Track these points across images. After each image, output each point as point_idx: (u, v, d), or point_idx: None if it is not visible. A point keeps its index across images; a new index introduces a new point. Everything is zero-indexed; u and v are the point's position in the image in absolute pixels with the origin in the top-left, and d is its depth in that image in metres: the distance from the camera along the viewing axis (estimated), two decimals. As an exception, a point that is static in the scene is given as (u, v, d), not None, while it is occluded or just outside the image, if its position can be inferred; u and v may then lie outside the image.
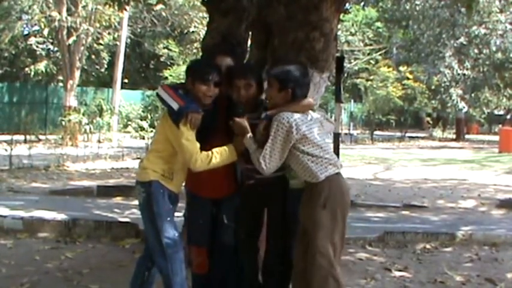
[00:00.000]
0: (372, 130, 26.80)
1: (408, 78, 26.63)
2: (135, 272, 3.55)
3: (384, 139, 26.43)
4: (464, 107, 25.94)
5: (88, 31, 19.38)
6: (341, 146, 6.37)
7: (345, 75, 26.49)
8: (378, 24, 30.13)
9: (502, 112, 38.39)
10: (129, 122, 22.63)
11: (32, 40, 23.37)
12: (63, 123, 18.17)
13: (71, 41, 19.10)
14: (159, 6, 21.96)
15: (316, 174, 3.21)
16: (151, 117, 18.98)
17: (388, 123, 28.55)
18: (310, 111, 3.36)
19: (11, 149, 11.75)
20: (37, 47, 23.87)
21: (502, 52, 24.22)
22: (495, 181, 11.60)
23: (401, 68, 27.28)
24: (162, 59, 26.70)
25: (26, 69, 23.95)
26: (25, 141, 16.34)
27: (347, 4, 17.83)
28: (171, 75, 23.41)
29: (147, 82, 29.43)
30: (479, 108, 33.49)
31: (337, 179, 3.28)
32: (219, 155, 3.30)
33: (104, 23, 20.28)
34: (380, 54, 29.80)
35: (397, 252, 5.60)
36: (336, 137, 5.77)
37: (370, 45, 29.79)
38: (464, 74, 24.71)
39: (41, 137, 19.18)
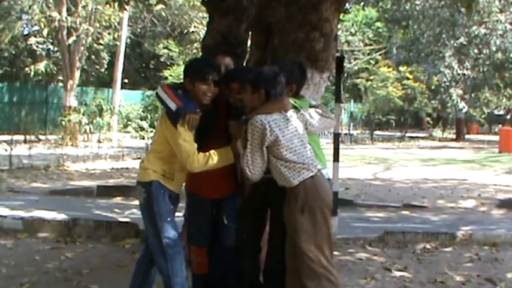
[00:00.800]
0: (371, 130, 26.80)
1: (408, 78, 26.62)
2: (135, 272, 3.55)
3: (383, 139, 26.42)
4: (464, 107, 25.95)
5: (88, 31, 19.37)
6: (341, 146, 6.36)
7: (345, 75, 26.49)
8: (378, 24, 30.13)
9: (502, 112, 38.39)
10: (129, 122, 22.66)
11: (32, 40, 23.37)
12: (63, 123, 18.16)
13: (71, 41, 19.10)
14: (159, 6, 21.92)
15: (289, 180, 3.19)
16: (151, 117, 19.03)
17: (388, 123, 28.55)
18: (290, 111, 3.30)
19: (11, 149, 11.73)
20: (37, 47, 23.88)
21: (502, 52, 24.24)
22: (495, 181, 11.59)
23: (401, 68, 27.27)
24: (162, 59, 26.70)
25: (26, 69, 23.93)
26: (25, 141, 16.33)
27: (347, 4, 17.81)
28: (171, 75, 23.41)
29: (147, 82, 29.45)
30: (479, 108, 33.52)
31: (313, 183, 3.22)
32: (216, 157, 3.29)
33: (104, 23, 20.28)
34: (380, 54, 29.79)
35: (397, 252, 5.59)
36: (336, 137, 5.76)
37: (370, 45, 29.79)
38: (464, 74, 24.72)
39: (41, 137, 19.20)
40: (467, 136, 31.27)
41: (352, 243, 5.84)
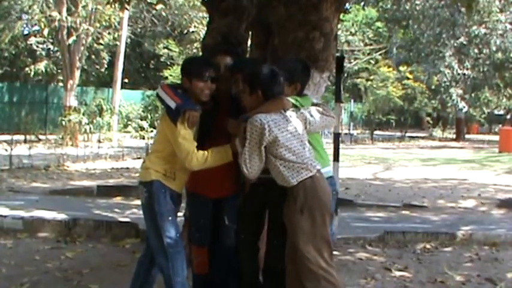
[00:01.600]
0: (372, 130, 26.80)
1: (408, 78, 26.63)
2: (136, 272, 3.55)
3: (384, 139, 26.42)
4: (464, 107, 25.93)
5: (88, 31, 19.37)
6: (341, 146, 6.35)
7: (345, 75, 26.51)
8: (378, 24, 30.14)
9: (502, 112, 38.41)
10: (129, 122, 22.67)
11: (32, 40, 23.38)
12: (63, 123, 18.15)
13: (71, 41, 19.09)
14: (159, 6, 21.98)
15: (287, 179, 3.18)
16: (151, 117, 19.03)
17: (388, 123, 28.54)
18: (289, 110, 3.29)
19: (11, 149, 11.74)
20: (37, 47, 23.89)
21: (502, 52, 24.24)
22: (495, 181, 11.59)
23: (401, 68, 27.28)
24: (162, 59, 26.72)
25: (26, 69, 23.95)
26: (25, 141, 16.34)
27: (347, 4, 17.84)
28: (171, 75, 23.44)
29: (147, 82, 29.47)
30: (479, 108, 33.49)
31: (312, 183, 3.21)
32: (214, 155, 3.29)
33: (104, 23, 20.30)
34: (380, 54, 29.81)
35: (397, 252, 5.59)
36: (336, 137, 5.76)
37: (370, 45, 29.80)
38: (464, 74, 24.71)
39: (41, 137, 19.20)
40: (467, 136, 31.28)
41: (352, 243, 5.83)
